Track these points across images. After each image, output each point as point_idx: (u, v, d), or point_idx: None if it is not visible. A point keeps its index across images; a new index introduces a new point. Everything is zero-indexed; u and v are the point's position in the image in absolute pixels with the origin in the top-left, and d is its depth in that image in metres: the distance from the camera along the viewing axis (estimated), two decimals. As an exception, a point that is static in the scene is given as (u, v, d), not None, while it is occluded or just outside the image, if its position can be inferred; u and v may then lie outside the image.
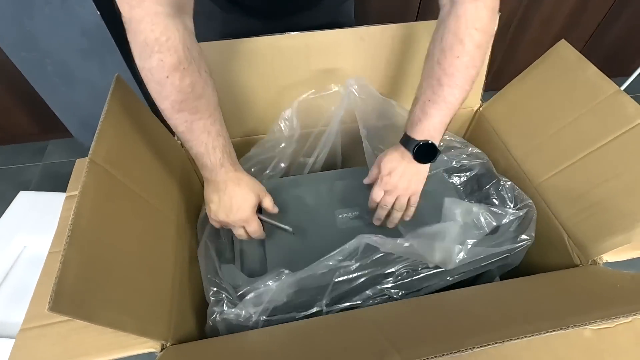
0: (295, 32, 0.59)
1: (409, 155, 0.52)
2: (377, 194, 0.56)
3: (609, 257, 0.50)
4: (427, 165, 0.54)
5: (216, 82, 0.44)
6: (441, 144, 0.53)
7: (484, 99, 0.71)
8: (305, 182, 0.67)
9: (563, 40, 0.61)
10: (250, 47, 0.59)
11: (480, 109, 0.71)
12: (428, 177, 0.56)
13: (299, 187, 0.66)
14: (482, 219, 0.53)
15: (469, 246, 0.50)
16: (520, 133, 0.63)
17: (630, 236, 0.47)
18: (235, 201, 0.50)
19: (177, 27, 0.38)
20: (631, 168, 0.49)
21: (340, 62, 0.63)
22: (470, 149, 0.67)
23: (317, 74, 0.63)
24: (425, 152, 0.51)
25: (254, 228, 0.53)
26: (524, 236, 0.53)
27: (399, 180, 0.54)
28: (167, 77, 0.39)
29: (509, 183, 0.61)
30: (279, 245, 0.59)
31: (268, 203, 0.55)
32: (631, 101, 0.51)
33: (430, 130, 0.50)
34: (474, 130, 0.74)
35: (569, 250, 0.54)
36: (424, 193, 0.57)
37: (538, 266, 0.58)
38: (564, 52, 0.61)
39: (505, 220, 0.55)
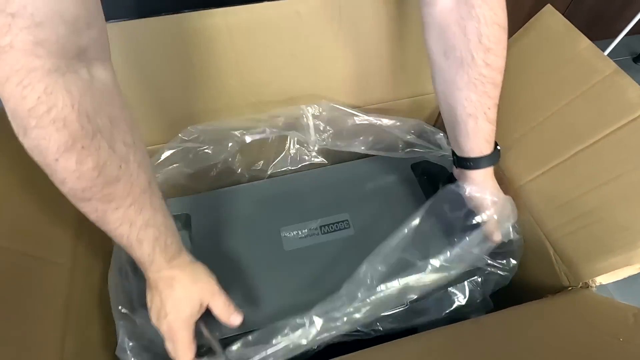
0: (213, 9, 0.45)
1: (491, 171, 0.45)
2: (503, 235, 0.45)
3: (603, 278, 0.41)
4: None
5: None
6: None
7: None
8: (240, 194, 0.56)
9: (549, 5, 0.50)
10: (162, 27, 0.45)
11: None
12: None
13: (232, 201, 0.55)
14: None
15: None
16: (497, 123, 0.53)
17: (630, 257, 0.38)
18: (165, 309, 0.37)
19: (68, 87, 0.25)
20: (632, 169, 0.39)
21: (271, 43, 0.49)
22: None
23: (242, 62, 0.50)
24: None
25: (179, 350, 0.37)
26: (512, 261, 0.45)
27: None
28: (57, 160, 0.26)
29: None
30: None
31: (219, 309, 0.39)
32: (633, 84, 0.41)
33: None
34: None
35: (556, 268, 0.45)
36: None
37: (523, 283, 0.49)
38: (550, 21, 0.49)
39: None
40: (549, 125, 0.47)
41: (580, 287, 0.42)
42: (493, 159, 0.44)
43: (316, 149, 0.58)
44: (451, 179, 0.56)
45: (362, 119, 0.54)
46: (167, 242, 0.35)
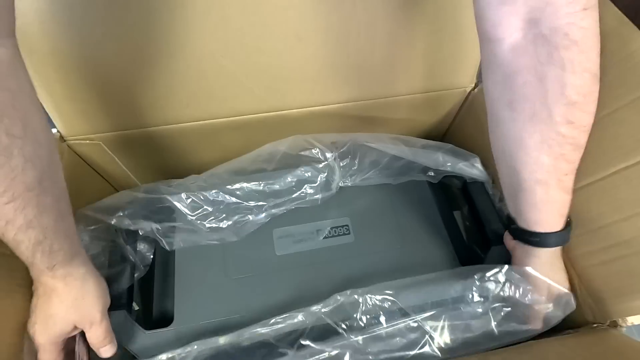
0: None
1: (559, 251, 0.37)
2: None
3: (637, 319, 0.36)
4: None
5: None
6: None
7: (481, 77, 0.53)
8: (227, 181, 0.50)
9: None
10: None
11: (475, 90, 0.53)
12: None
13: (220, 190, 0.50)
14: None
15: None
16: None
17: (674, 300, 0.33)
18: (35, 317, 0.34)
19: None
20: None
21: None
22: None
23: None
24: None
25: None
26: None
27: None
28: None
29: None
30: (193, 283, 0.44)
31: (92, 339, 0.36)
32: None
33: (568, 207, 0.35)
34: (464, 118, 0.57)
35: (579, 299, 0.39)
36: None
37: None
38: (600, 12, 0.42)
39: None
40: (590, 135, 0.40)
41: (608, 325, 0.37)
42: (564, 237, 0.36)
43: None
44: (468, 190, 0.50)
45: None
46: (52, 248, 0.30)
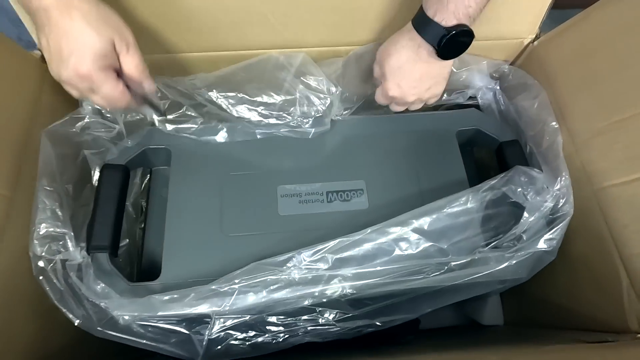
0: None
1: (427, 50, 0.35)
2: (381, 101, 0.43)
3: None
4: (451, 62, 0.38)
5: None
6: None
7: (545, 28, 0.44)
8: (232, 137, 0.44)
9: None
10: None
11: (535, 42, 0.44)
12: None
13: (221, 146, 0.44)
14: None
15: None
16: (590, 98, 0.38)
17: None
18: (66, 43, 0.29)
19: None
20: None
21: None
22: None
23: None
24: (456, 44, 0.34)
25: (107, 90, 0.31)
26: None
27: (413, 88, 0.39)
28: None
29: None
30: (185, 236, 0.39)
31: (132, 63, 0.32)
32: None
33: (467, 5, 0.32)
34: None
35: (625, 304, 0.34)
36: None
37: (573, 310, 0.39)
38: None
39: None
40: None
41: (655, 337, 0.32)
42: (426, 31, 0.34)
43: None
44: (503, 156, 0.44)
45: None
46: None
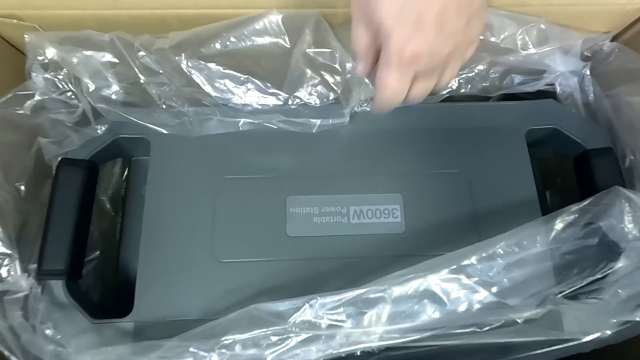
0: None
1: None
2: (388, 86, 0.24)
3: None
4: None
5: None
6: None
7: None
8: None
9: None
10: None
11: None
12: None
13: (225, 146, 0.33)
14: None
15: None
16: None
17: None
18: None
19: None
20: None
21: None
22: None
23: None
24: None
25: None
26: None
27: (442, 29, 0.22)
28: None
29: None
30: (164, 261, 0.30)
31: None
32: None
33: None
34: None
35: None
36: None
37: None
38: None
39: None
40: None
41: None
42: None
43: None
44: (588, 169, 0.33)
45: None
46: None
